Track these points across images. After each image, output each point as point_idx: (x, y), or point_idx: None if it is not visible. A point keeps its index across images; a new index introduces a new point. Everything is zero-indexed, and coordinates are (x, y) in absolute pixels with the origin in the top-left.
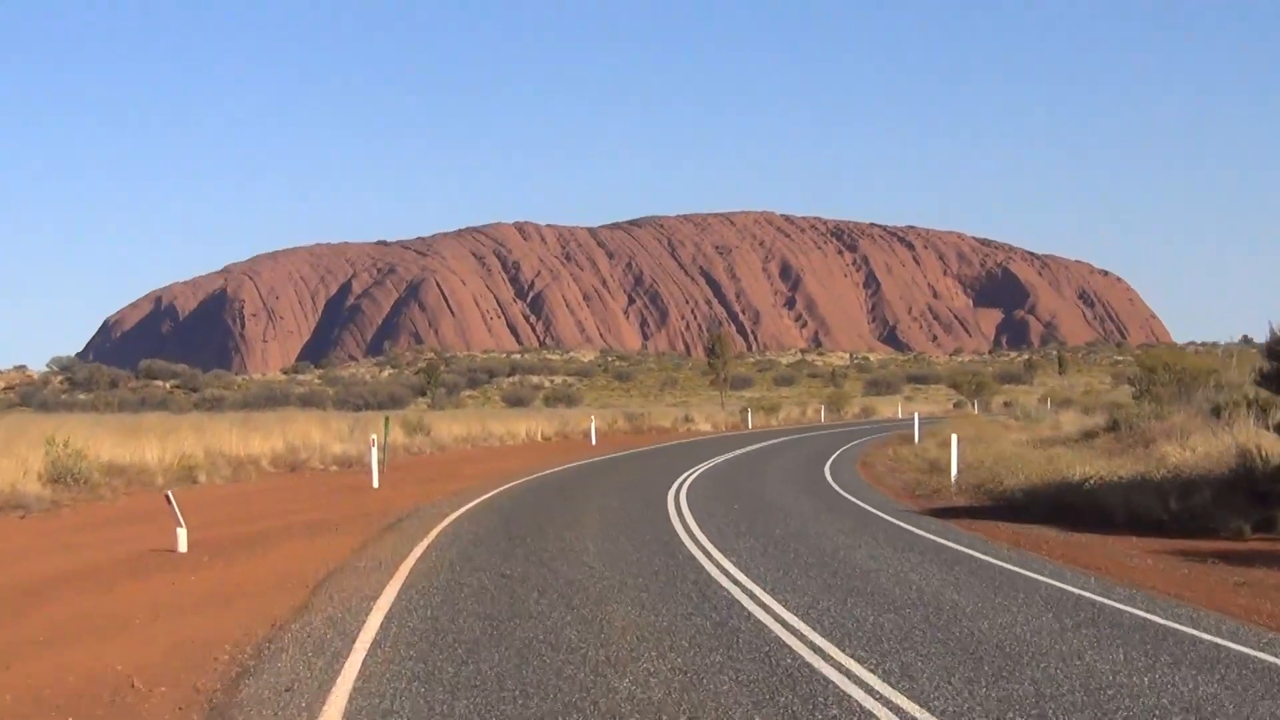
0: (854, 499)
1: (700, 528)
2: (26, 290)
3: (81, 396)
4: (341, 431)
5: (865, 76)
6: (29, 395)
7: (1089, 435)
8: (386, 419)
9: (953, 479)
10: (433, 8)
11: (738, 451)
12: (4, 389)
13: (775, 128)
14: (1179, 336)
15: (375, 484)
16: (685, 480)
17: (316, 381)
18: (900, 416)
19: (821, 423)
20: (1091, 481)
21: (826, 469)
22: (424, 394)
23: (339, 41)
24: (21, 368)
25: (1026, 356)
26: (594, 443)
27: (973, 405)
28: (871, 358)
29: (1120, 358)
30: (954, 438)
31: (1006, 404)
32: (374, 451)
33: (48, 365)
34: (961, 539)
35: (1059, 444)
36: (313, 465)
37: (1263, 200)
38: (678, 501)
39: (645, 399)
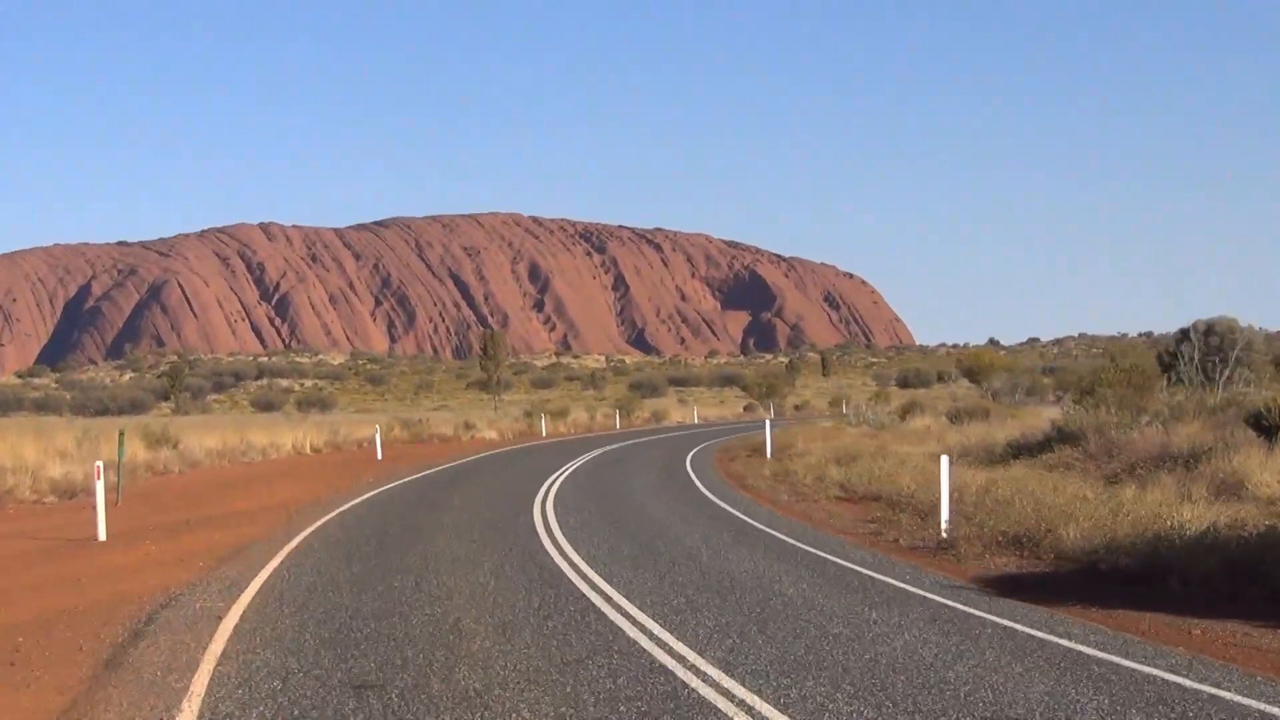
0: (821, 552)
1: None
2: None
3: None
4: (66, 447)
5: (613, 78)
6: None
7: (1024, 450)
8: (122, 434)
9: (943, 522)
10: (175, 5)
11: (570, 467)
12: None
13: (523, 129)
14: (921, 339)
15: (101, 534)
16: (557, 521)
17: (53, 386)
18: (699, 421)
19: (618, 429)
20: (1214, 533)
21: (709, 491)
22: (168, 398)
23: (77, 39)
24: None
25: (787, 359)
26: (380, 456)
27: (768, 409)
28: (627, 360)
29: (874, 360)
30: (945, 463)
31: (798, 407)
32: (100, 486)
33: None
34: (1158, 659)
35: (999, 461)
36: (20, 496)
37: (996, 207)
38: (580, 570)
39: (401, 403)
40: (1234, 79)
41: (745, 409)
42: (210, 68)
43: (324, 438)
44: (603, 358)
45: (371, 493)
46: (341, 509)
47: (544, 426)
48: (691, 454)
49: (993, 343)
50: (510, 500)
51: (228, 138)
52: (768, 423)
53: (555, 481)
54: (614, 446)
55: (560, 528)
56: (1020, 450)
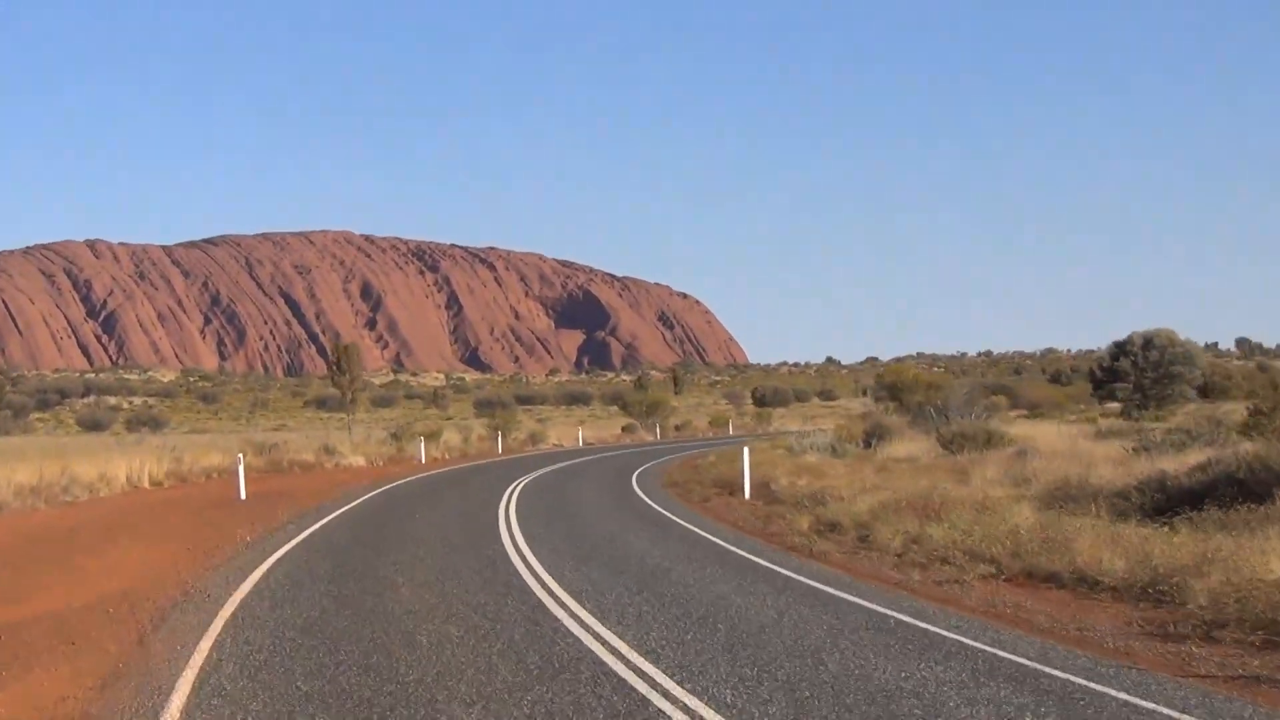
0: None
1: None
2: None
3: None
4: None
5: (443, 94)
6: None
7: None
8: None
9: None
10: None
11: (502, 504)
12: None
13: (355, 145)
14: (754, 358)
15: None
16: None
17: None
18: (585, 444)
19: (500, 454)
20: None
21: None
22: None
23: None
24: None
25: (635, 377)
26: (243, 495)
27: (653, 429)
28: (467, 378)
29: (717, 378)
30: None
31: (679, 428)
32: None
33: None
34: None
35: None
36: None
37: (829, 226)
38: None
39: (236, 422)
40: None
41: (624, 430)
42: (35, 77)
43: (166, 467)
44: (441, 376)
45: (258, 568)
46: (226, 608)
47: (421, 452)
48: (638, 490)
49: (831, 361)
50: (502, 594)
51: (53, 151)
52: (746, 452)
53: (515, 544)
54: (524, 479)
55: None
56: (1178, 497)
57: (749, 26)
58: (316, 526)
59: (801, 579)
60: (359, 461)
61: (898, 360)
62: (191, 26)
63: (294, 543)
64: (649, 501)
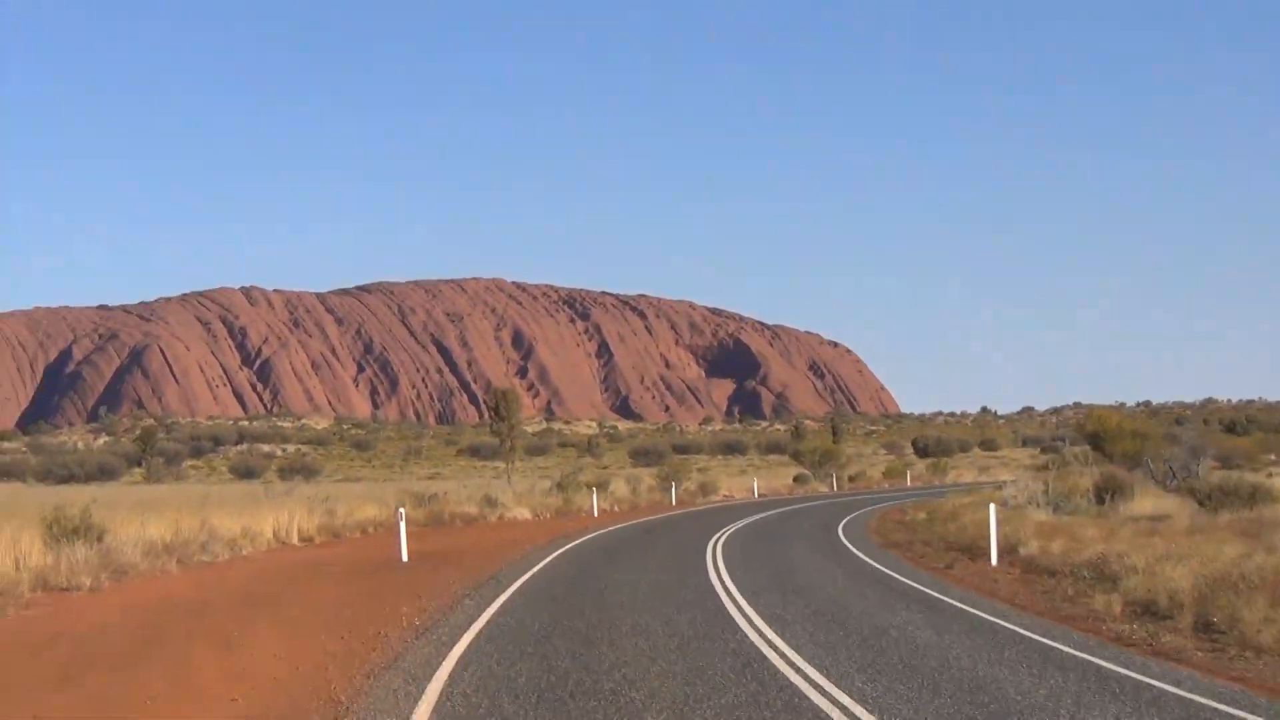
0: None
1: None
2: None
3: None
4: None
5: (597, 144)
6: None
7: None
8: None
9: None
10: (156, 67)
11: (711, 572)
12: None
13: (507, 194)
14: (906, 407)
15: None
16: None
17: (21, 451)
18: (761, 495)
19: (673, 506)
20: None
21: None
22: (140, 464)
23: (57, 102)
24: None
25: (792, 425)
26: (404, 556)
27: (826, 480)
28: (619, 427)
29: (873, 428)
30: None
31: (853, 478)
32: None
33: None
34: None
35: None
36: None
37: (984, 274)
38: None
39: (390, 470)
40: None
41: (795, 480)
42: (192, 131)
43: (317, 520)
44: (594, 424)
45: (436, 674)
46: None
47: (595, 504)
48: (858, 553)
49: (986, 411)
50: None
51: (209, 201)
52: (994, 510)
53: (761, 633)
54: (717, 538)
55: None
56: None
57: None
58: (500, 602)
59: (1200, 699)
60: (524, 514)
61: (1055, 410)
62: (342, 78)
63: (476, 628)
64: (884, 569)
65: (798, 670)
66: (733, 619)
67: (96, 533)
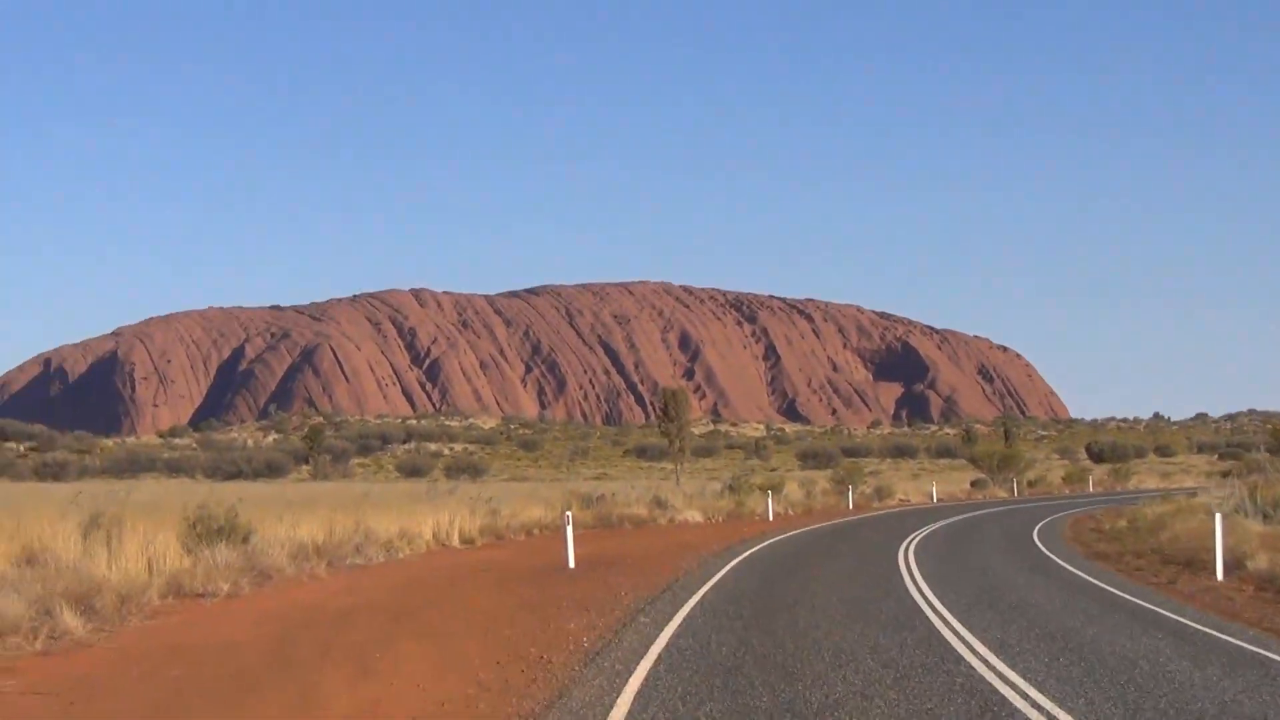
0: None
1: None
2: None
3: None
4: (61, 535)
5: (763, 146)
6: None
7: None
8: None
9: None
10: (330, 68)
11: (908, 583)
12: None
13: (674, 198)
14: (1076, 413)
15: None
16: None
17: (191, 447)
18: (939, 499)
19: (850, 510)
20: None
21: None
22: (307, 461)
23: (231, 104)
24: None
25: (963, 429)
26: (571, 562)
27: (1005, 485)
28: (787, 429)
29: (1044, 433)
30: None
31: (1032, 484)
32: None
33: None
34: None
35: None
36: None
37: (1155, 277)
38: None
39: (556, 470)
40: None
41: (972, 485)
42: (361, 133)
43: (479, 521)
44: (761, 426)
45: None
46: None
47: (769, 507)
48: (1067, 566)
49: (1159, 417)
50: None
51: (380, 203)
52: (1219, 519)
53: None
54: (906, 544)
55: None
56: None
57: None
58: (678, 621)
59: None
60: (695, 517)
61: (1230, 416)
62: (511, 82)
63: (654, 653)
64: (1099, 583)
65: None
66: (950, 644)
67: (242, 533)
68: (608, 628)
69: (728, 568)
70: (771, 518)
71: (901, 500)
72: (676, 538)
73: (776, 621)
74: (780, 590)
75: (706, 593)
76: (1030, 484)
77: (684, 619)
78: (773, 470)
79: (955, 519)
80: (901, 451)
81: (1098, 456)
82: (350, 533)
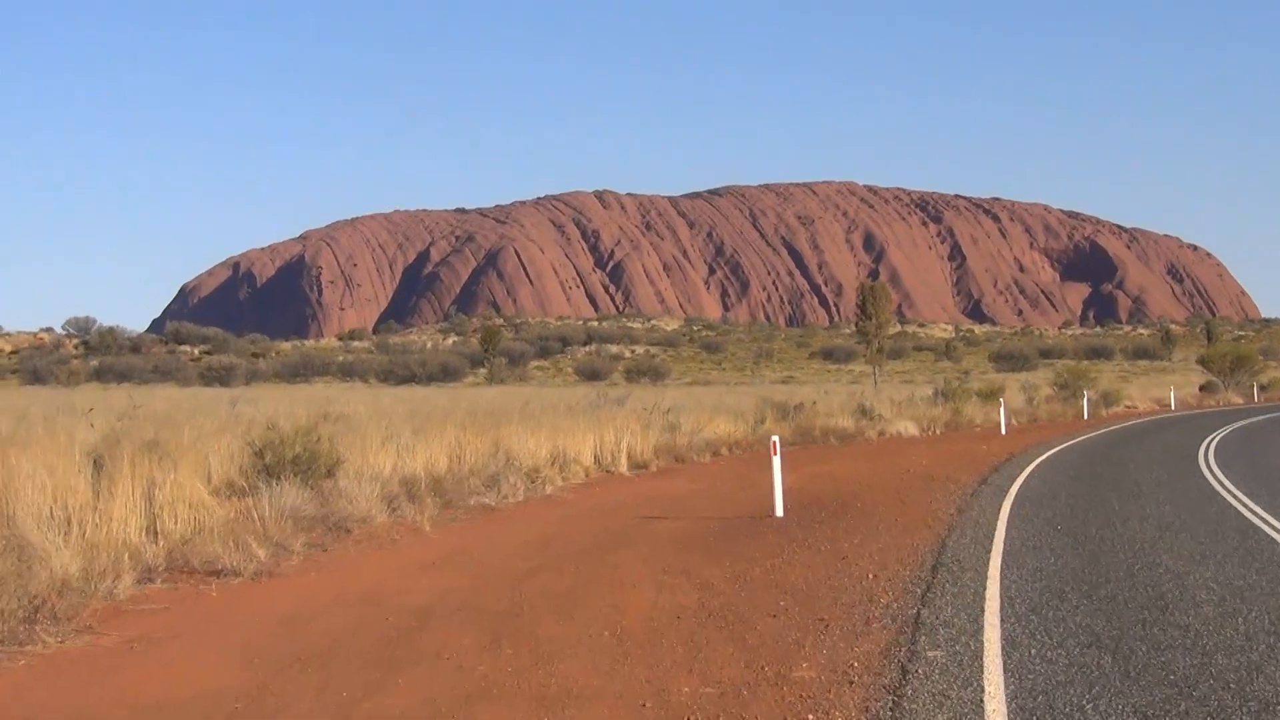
0: None
1: None
2: (107, 253)
3: (94, 362)
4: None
5: (950, 46)
6: (27, 361)
7: None
8: None
9: None
10: None
11: None
12: (11, 353)
13: (858, 96)
14: (1268, 313)
15: None
16: None
17: (368, 350)
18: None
19: (1086, 420)
20: None
21: None
22: (483, 364)
23: (416, 13)
24: (49, 329)
25: (1162, 330)
26: (779, 509)
27: (1248, 388)
28: (976, 330)
29: (1241, 333)
30: None
31: (1264, 388)
32: None
33: (63, 327)
34: None
35: None
36: None
37: None
38: None
39: (740, 373)
40: None
41: (1202, 389)
42: (545, 36)
43: (654, 438)
44: (949, 327)
45: None
46: None
47: (1002, 418)
48: None
49: None
50: None
51: (562, 104)
52: None
53: None
54: (1209, 453)
55: None
56: None
57: None
58: (992, 648)
59: None
60: (907, 428)
61: None
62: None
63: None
64: None
65: None
66: None
67: (326, 464)
68: (868, 670)
69: (1003, 518)
70: (1004, 430)
71: (1129, 408)
72: (901, 460)
73: (1175, 664)
74: (1127, 577)
75: (1002, 572)
76: (1263, 388)
77: (1001, 642)
78: (965, 372)
79: (1234, 427)
80: (1097, 353)
81: None
82: (486, 457)
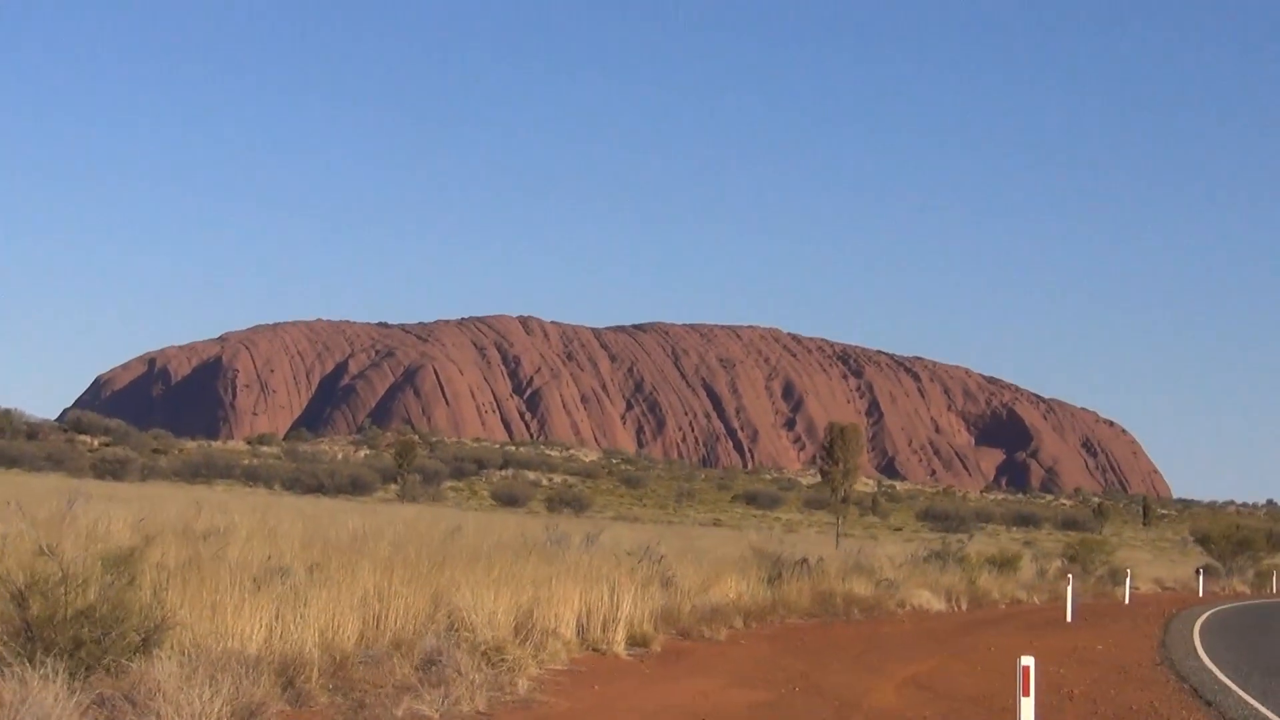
0: None
1: None
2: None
3: None
4: None
5: (882, 203)
6: None
7: None
8: None
9: None
10: (445, 95)
11: None
12: None
13: (787, 245)
14: (1179, 493)
15: None
16: None
17: (276, 455)
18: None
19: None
20: None
21: None
22: (396, 480)
23: (350, 124)
24: None
25: (1098, 502)
26: None
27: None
28: (898, 487)
29: (1164, 512)
30: None
31: (1259, 574)
32: None
33: None
34: None
35: None
36: None
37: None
38: None
39: (664, 510)
40: None
41: (1198, 571)
42: (479, 160)
43: (651, 600)
44: (871, 482)
45: None
46: None
47: (1069, 601)
48: None
49: (1272, 504)
50: None
51: (492, 229)
52: None
53: None
54: None
55: None
56: None
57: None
58: None
59: None
60: (929, 600)
61: None
62: (625, 115)
63: None
64: None
65: None
66: None
67: (141, 628)
68: None
69: None
70: (1069, 618)
71: (1138, 589)
72: (991, 654)
73: None
74: None
75: None
76: (1258, 574)
77: None
78: (897, 529)
79: None
80: (1025, 520)
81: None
82: (421, 619)
